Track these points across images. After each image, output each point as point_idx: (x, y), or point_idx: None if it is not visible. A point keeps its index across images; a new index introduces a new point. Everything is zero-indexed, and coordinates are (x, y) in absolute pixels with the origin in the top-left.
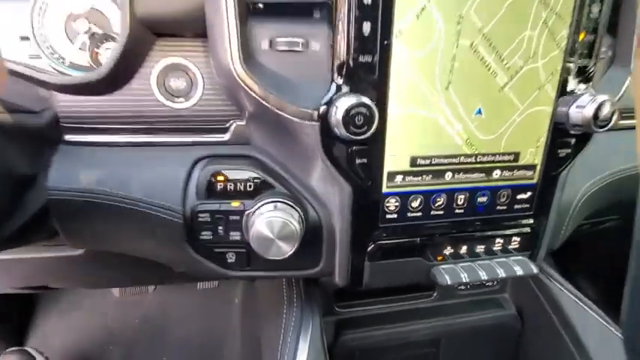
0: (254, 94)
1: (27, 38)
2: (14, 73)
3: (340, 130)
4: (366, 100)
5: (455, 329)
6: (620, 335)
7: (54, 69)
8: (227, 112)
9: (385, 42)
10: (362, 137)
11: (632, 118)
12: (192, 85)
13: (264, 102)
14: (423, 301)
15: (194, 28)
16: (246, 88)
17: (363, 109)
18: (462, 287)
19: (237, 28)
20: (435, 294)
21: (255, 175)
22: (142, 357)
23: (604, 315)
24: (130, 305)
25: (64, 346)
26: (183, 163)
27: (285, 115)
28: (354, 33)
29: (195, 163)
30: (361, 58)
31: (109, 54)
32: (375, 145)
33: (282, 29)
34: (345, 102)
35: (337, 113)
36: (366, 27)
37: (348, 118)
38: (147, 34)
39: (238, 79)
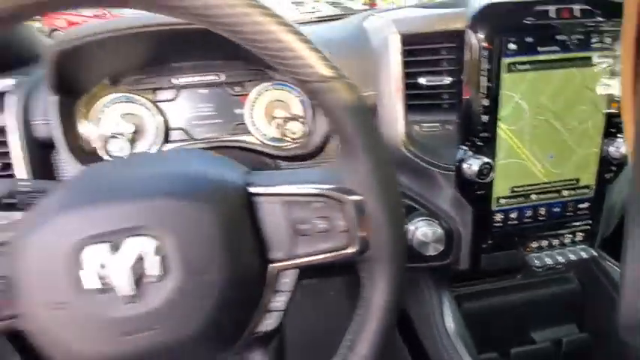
0: (414, 157)
1: (243, 123)
2: (254, 151)
3: (473, 178)
4: (488, 160)
5: (536, 298)
6: None
7: (260, 141)
8: None
9: (494, 123)
10: (485, 181)
11: None
12: None
13: (419, 161)
14: (512, 280)
15: None
16: (409, 154)
17: (487, 166)
18: (539, 270)
19: (404, 118)
20: (518, 275)
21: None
22: None
23: None
24: None
25: None
26: None
27: (432, 169)
28: (475, 120)
29: None
30: (480, 134)
31: (294, 129)
32: (490, 182)
33: (425, 117)
34: (476, 162)
35: (471, 168)
36: (484, 118)
37: (479, 171)
38: None
39: (404, 149)
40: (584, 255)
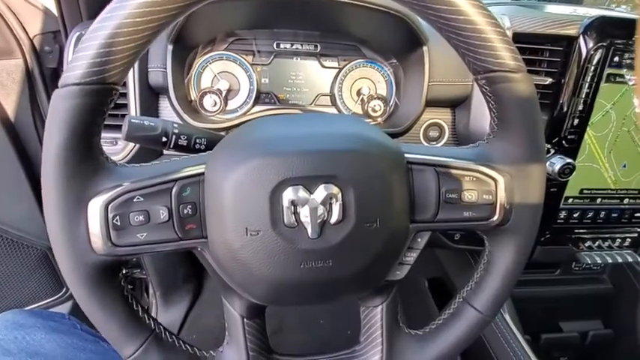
0: None
1: (329, 95)
2: None
3: (554, 176)
4: (570, 160)
5: (569, 294)
6: None
7: None
8: None
9: (583, 128)
10: (564, 180)
11: None
12: (441, 135)
13: None
14: (550, 274)
15: (453, 103)
16: None
17: (570, 166)
18: (577, 268)
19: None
20: (557, 271)
21: None
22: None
23: None
24: None
25: None
26: None
27: None
28: (567, 122)
29: None
30: (569, 136)
31: (376, 107)
32: (565, 182)
33: None
34: (560, 161)
35: (554, 167)
36: (575, 121)
37: (561, 170)
38: (424, 106)
39: None
40: (629, 259)
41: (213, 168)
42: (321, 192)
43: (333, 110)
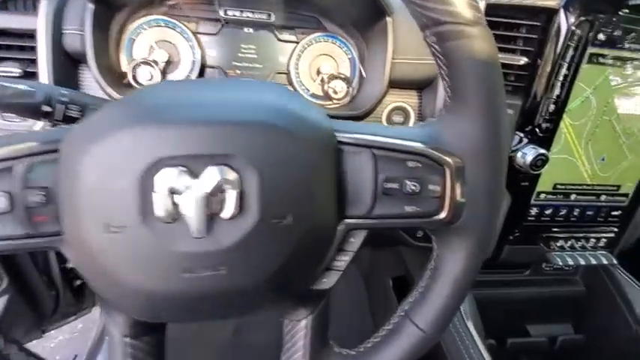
0: None
1: (285, 73)
2: None
3: (525, 168)
4: (544, 151)
5: (539, 296)
6: None
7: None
8: None
9: (559, 115)
10: (536, 173)
11: None
12: (406, 120)
13: None
14: (519, 274)
15: (420, 85)
16: None
17: (543, 157)
18: (548, 269)
19: None
20: (527, 271)
21: None
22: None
23: None
24: None
25: None
26: None
27: None
28: (542, 108)
29: None
30: (543, 124)
31: (337, 88)
32: (537, 175)
33: None
34: (532, 152)
35: (526, 158)
36: (551, 107)
37: (533, 161)
38: (388, 87)
39: None
40: (604, 260)
41: (71, 142)
42: (210, 176)
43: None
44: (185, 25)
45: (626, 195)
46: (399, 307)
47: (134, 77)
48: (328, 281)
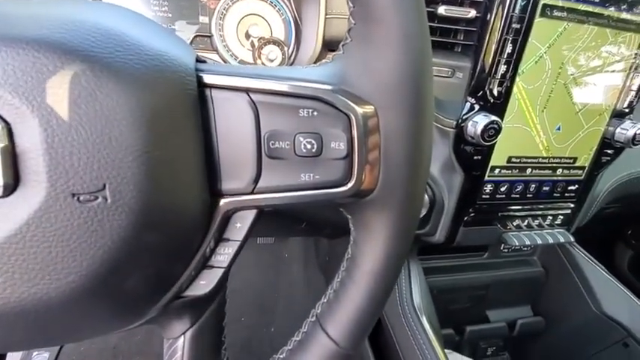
0: None
1: (208, 36)
2: None
3: (477, 139)
4: (496, 118)
5: (498, 279)
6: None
7: (226, 63)
8: None
9: (512, 78)
10: (488, 144)
11: None
12: None
13: None
14: (477, 258)
15: None
16: None
17: (495, 125)
18: (506, 250)
19: None
20: (485, 254)
21: None
22: None
23: (607, 270)
24: None
25: None
26: None
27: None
28: (493, 70)
29: None
30: (494, 89)
31: (271, 55)
32: (489, 147)
33: (434, 59)
34: (484, 119)
35: (477, 127)
36: (502, 68)
37: (485, 130)
38: (324, 49)
39: None
40: (561, 239)
41: None
42: None
43: (215, 58)
44: None
45: (582, 168)
46: (313, 309)
47: None
48: (207, 283)
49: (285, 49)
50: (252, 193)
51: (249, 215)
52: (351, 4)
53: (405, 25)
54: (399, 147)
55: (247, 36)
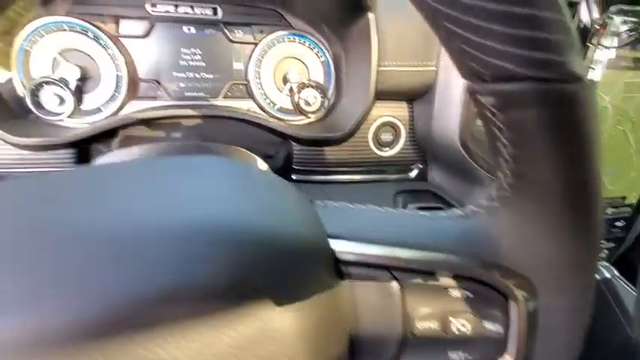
0: (470, 159)
1: (244, 84)
2: (259, 126)
3: None
4: None
5: None
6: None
7: (264, 111)
8: (414, 157)
9: None
10: None
11: None
12: (396, 138)
13: (474, 163)
14: None
15: (411, 96)
16: (464, 153)
17: None
18: None
19: (464, 105)
20: None
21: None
22: None
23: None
24: None
25: None
26: (386, 195)
27: (484, 172)
28: None
29: (397, 194)
30: None
31: (310, 100)
32: None
33: None
34: None
35: None
36: None
37: None
38: (374, 100)
39: (459, 146)
40: (606, 274)
41: None
42: None
43: (249, 104)
44: (99, 28)
45: (630, 206)
46: None
47: (36, 103)
48: None
49: (325, 92)
50: None
51: None
52: (506, 186)
53: (578, 208)
54: (564, 333)
55: (285, 80)
